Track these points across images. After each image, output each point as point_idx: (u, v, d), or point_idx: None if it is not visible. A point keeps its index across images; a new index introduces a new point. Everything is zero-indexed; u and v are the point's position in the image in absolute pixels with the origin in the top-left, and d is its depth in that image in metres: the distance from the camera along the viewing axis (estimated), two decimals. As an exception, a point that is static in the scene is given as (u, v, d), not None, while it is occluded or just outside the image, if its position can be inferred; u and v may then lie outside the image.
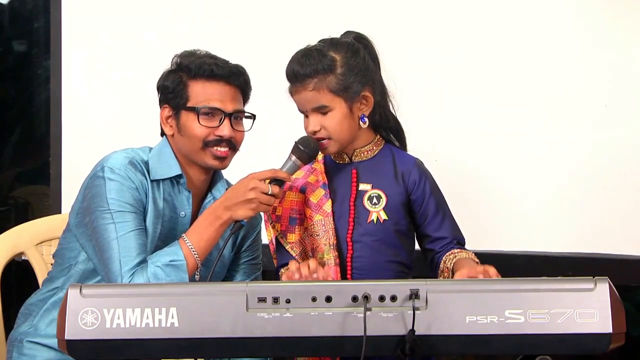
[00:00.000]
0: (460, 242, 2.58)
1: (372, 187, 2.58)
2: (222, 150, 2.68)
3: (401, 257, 2.58)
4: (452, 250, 2.54)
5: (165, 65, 2.75)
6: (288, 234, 2.61)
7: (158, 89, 2.75)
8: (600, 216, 3.48)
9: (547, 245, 3.51)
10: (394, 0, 3.59)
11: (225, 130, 2.67)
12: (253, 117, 2.74)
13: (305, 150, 2.55)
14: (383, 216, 2.56)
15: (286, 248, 2.61)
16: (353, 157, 2.60)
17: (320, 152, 2.59)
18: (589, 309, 2.03)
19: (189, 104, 2.68)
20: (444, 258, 2.53)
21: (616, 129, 3.47)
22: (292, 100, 2.57)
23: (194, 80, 2.68)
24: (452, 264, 2.50)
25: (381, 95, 2.59)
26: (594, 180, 3.48)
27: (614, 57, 3.47)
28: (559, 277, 2.10)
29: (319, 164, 2.63)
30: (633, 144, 3.46)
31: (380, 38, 2.65)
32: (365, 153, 2.60)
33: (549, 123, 3.50)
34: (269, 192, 2.54)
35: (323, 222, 2.56)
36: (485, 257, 2.56)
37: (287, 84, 2.56)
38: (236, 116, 2.71)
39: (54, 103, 3.83)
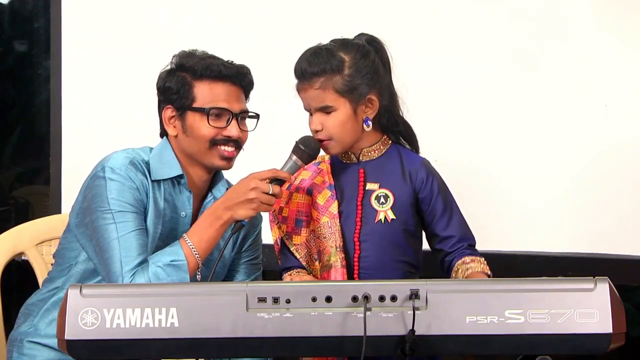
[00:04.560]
0: (470, 244, 2.56)
1: (380, 187, 2.57)
2: (229, 150, 2.68)
3: (408, 257, 2.58)
4: (463, 258, 2.52)
5: (165, 65, 2.75)
6: (294, 236, 2.61)
7: (159, 89, 2.75)
8: (600, 216, 3.48)
9: (547, 245, 3.51)
10: (393, 3, 3.60)
11: (233, 130, 2.67)
12: (257, 116, 2.74)
13: (306, 150, 2.56)
14: (391, 215, 2.55)
15: (291, 250, 2.61)
16: (360, 157, 2.60)
17: (324, 153, 2.59)
18: (589, 309, 2.03)
19: (196, 105, 2.68)
20: (455, 267, 2.52)
21: (616, 129, 3.47)
22: (299, 98, 2.57)
23: (199, 81, 2.68)
24: (464, 276, 2.48)
25: (389, 99, 2.58)
26: (594, 181, 3.48)
27: (614, 57, 3.47)
28: (559, 277, 2.10)
29: (325, 164, 2.63)
30: (633, 144, 3.46)
31: (379, 38, 2.65)
32: (373, 152, 2.60)
33: (548, 123, 3.50)
34: (270, 192, 2.54)
35: (330, 224, 2.56)
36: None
37: (290, 84, 2.57)
38: (242, 116, 2.71)
39: (54, 103, 3.83)
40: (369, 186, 2.57)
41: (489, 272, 2.50)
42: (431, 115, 3.50)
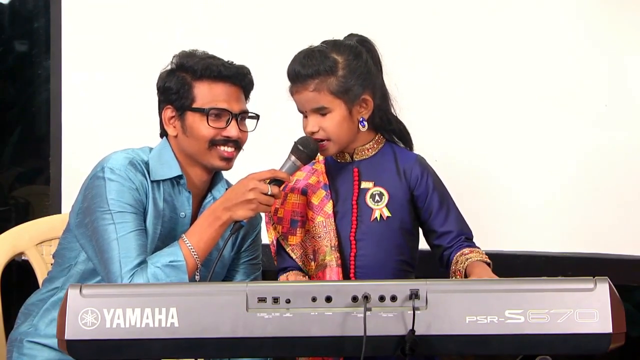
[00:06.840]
0: (467, 237, 2.56)
1: (374, 185, 2.57)
2: (228, 150, 2.69)
3: (405, 255, 2.57)
4: (462, 250, 2.51)
5: (165, 65, 2.75)
6: (289, 236, 2.61)
7: (159, 89, 2.75)
8: (600, 216, 3.48)
9: (547, 245, 3.51)
10: (393, 3, 3.60)
11: (233, 130, 2.67)
12: (257, 117, 2.74)
13: (305, 150, 2.55)
14: (386, 213, 2.55)
15: (287, 250, 2.61)
16: (354, 156, 2.60)
17: (319, 154, 2.59)
18: (589, 309, 2.03)
19: (195, 105, 2.68)
20: (454, 259, 2.51)
21: (616, 129, 3.47)
22: (292, 100, 2.57)
23: (199, 81, 2.68)
24: (464, 267, 2.48)
25: (382, 98, 2.59)
26: (594, 180, 3.48)
27: (613, 57, 3.47)
28: (559, 277, 2.10)
29: (320, 165, 2.63)
30: (633, 144, 3.46)
31: (380, 38, 2.65)
32: (367, 151, 2.60)
33: (548, 123, 3.50)
34: (269, 193, 2.54)
35: (324, 224, 2.56)
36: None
37: (287, 84, 2.56)
38: (242, 116, 2.71)
39: (54, 103, 3.83)
40: (364, 185, 2.58)
41: (489, 261, 2.50)
42: (432, 115, 3.51)
